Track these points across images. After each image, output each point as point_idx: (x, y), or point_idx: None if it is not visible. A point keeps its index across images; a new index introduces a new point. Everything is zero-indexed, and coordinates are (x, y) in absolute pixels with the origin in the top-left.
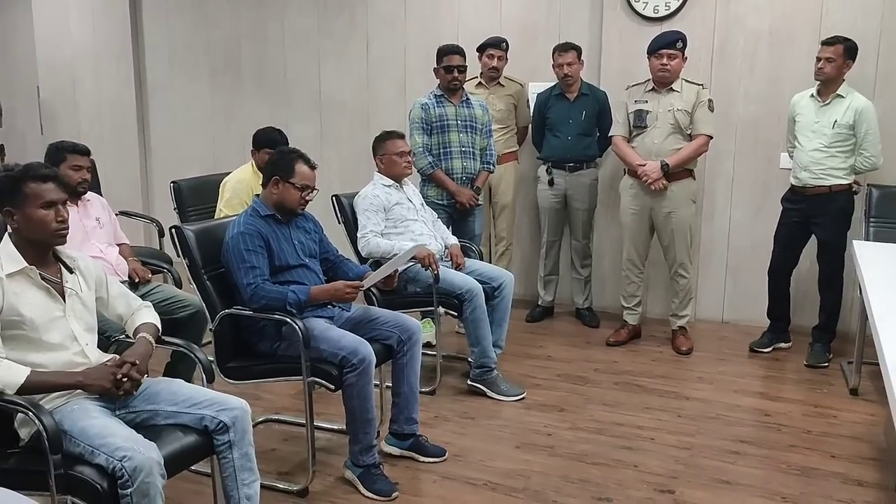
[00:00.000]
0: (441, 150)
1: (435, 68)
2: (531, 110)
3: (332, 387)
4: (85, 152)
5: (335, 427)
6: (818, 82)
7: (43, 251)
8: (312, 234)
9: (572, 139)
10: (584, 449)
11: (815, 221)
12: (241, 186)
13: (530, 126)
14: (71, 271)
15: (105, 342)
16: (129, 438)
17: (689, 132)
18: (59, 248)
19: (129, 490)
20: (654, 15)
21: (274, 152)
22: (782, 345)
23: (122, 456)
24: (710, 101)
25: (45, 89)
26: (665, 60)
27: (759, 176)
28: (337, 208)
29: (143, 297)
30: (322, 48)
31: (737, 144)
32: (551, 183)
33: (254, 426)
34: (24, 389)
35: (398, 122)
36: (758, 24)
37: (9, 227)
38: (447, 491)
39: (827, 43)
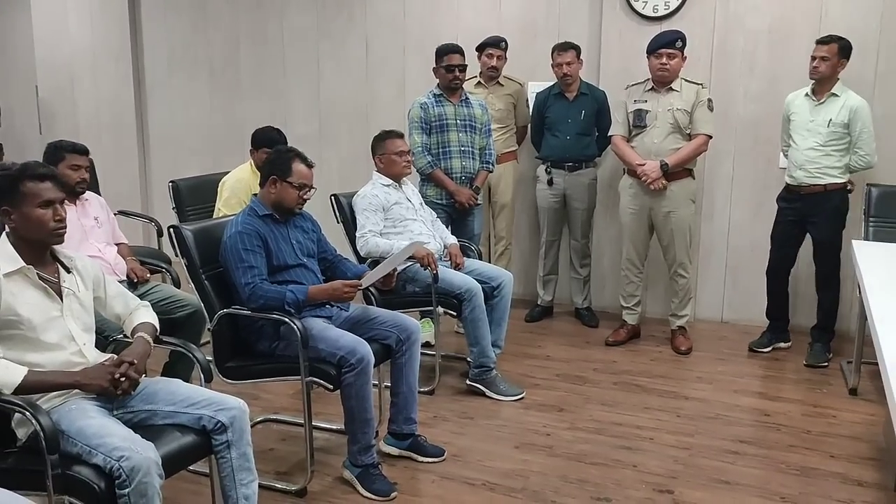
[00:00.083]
0: (440, 150)
1: (434, 68)
2: (530, 110)
3: (331, 386)
4: (83, 152)
5: (334, 427)
6: (813, 81)
7: (40, 251)
8: (311, 234)
9: (571, 139)
10: (583, 449)
11: (811, 220)
12: (239, 186)
13: (529, 125)
14: (68, 271)
15: (103, 342)
16: (126, 438)
17: (688, 132)
18: (56, 247)
19: (126, 490)
20: (653, 14)
21: (271, 151)
22: (782, 345)
23: (120, 456)
24: (709, 100)
25: (43, 89)
26: (664, 60)
27: (759, 175)
28: (336, 208)
29: (141, 296)
30: (321, 48)
31: (736, 144)
32: (550, 182)
33: (252, 426)
34: (21, 389)
35: (397, 122)
36: (757, 23)
37: (6, 226)
38: (446, 491)
39: (821, 42)
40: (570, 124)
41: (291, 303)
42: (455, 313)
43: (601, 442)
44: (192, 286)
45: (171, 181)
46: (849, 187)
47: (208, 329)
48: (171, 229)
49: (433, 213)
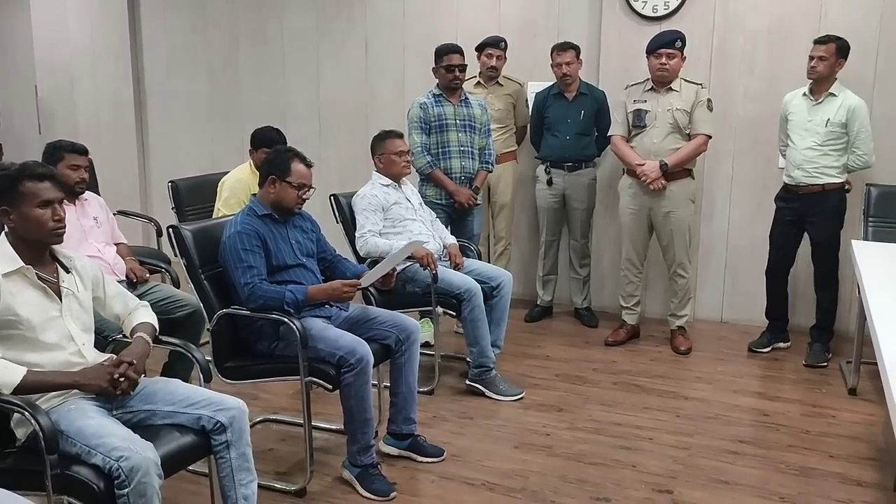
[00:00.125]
0: (440, 150)
1: (434, 68)
2: (530, 110)
3: (330, 387)
4: (83, 151)
5: (333, 427)
6: (810, 81)
7: (39, 250)
8: (310, 234)
9: (571, 139)
10: (583, 449)
11: (809, 220)
12: (238, 186)
13: (529, 125)
14: (67, 271)
15: (102, 342)
16: (125, 438)
17: (688, 132)
18: (55, 247)
19: (125, 490)
20: (653, 14)
21: (270, 151)
22: (781, 345)
23: (119, 456)
24: (708, 100)
25: (42, 88)
26: (664, 60)
27: (759, 175)
28: (335, 208)
29: (140, 296)
30: (321, 48)
31: (736, 144)
32: (550, 182)
33: (251, 426)
34: (20, 389)
35: (397, 122)
36: (757, 23)
37: (5, 226)
38: (445, 491)
39: (819, 41)
40: (569, 124)
41: (291, 303)
42: (454, 313)
43: (600, 442)
44: (192, 286)
45: (170, 181)
46: (847, 187)
47: (207, 329)
48: (171, 229)
49: (433, 213)
